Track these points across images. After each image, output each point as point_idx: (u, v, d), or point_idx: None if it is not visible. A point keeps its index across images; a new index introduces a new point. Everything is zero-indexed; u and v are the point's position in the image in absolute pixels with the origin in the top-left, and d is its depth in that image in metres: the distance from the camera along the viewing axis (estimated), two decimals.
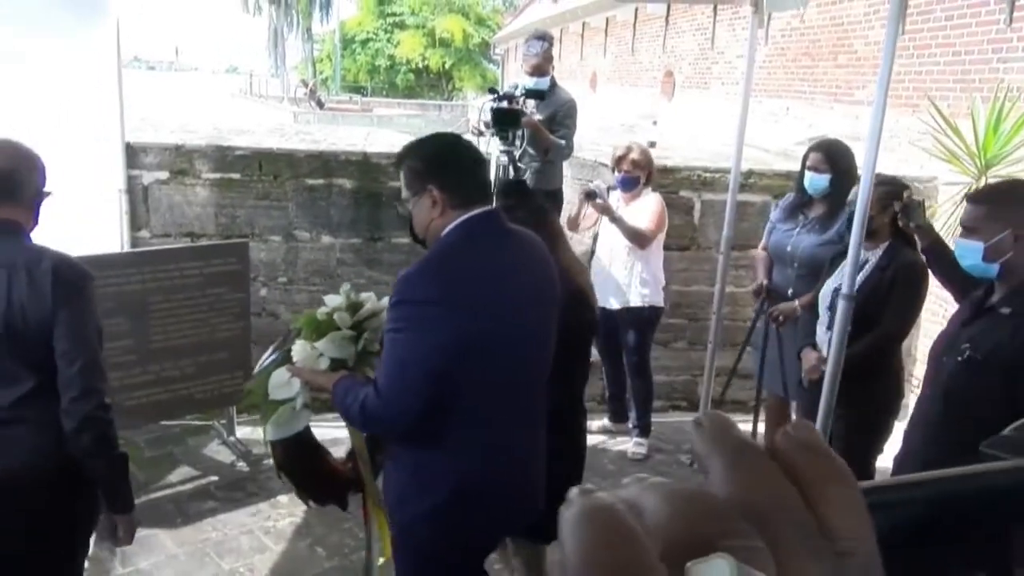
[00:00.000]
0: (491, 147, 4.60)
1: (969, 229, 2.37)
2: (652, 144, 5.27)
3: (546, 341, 2.06)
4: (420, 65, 34.20)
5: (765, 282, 3.89)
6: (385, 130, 9.39)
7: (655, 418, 4.87)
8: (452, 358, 1.83)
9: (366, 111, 25.10)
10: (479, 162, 2.03)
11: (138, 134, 4.63)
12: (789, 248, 3.72)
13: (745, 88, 4.10)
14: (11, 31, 3.84)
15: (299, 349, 2.12)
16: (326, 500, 2.44)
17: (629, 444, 4.46)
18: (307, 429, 2.23)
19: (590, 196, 4.04)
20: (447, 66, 33.84)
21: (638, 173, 4.11)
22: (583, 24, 18.04)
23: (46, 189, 2.10)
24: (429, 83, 35.57)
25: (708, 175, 4.93)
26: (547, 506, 2.12)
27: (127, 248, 4.27)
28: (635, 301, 4.18)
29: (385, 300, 2.12)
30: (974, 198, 2.52)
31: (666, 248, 4.41)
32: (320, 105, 24.86)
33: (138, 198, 4.48)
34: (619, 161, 4.13)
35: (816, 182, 3.61)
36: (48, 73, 4.00)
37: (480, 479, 1.95)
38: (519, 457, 2.06)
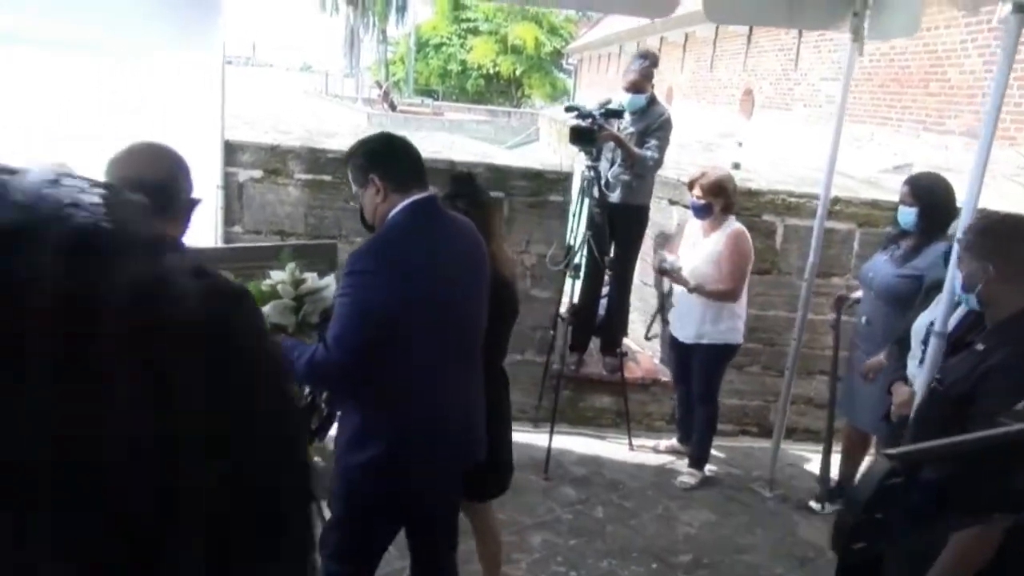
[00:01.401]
0: (575, 162, 4.63)
1: (959, 258, 2.45)
2: (736, 166, 5.22)
3: (478, 309, 2.32)
4: (491, 71, 34.43)
5: (845, 295, 4.15)
6: (456, 135, 9.49)
7: (726, 442, 4.81)
8: (391, 316, 2.08)
9: (437, 115, 25.40)
10: (412, 154, 2.31)
11: (232, 132, 4.77)
12: (871, 274, 3.76)
13: (839, 114, 4.04)
14: (122, 27, 3.98)
15: None
16: None
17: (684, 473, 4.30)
18: None
19: (663, 272, 4.26)
20: (517, 73, 34.00)
21: (708, 200, 3.96)
22: (661, 39, 17.97)
23: (195, 195, 1.91)
24: (499, 89, 35.77)
25: (793, 200, 4.86)
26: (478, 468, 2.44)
27: (220, 243, 4.41)
28: (708, 339, 4.07)
29: (326, 279, 2.48)
30: (967, 226, 2.57)
31: None
32: (393, 107, 25.23)
33: (233, 194, 4.62)
34: (690, 186, 4.07)
35: (904, 215, 3.60)
36: (155, 69, 4.14)
37: (415, 435, 2.19)
38: (456, 417, 2.28)
